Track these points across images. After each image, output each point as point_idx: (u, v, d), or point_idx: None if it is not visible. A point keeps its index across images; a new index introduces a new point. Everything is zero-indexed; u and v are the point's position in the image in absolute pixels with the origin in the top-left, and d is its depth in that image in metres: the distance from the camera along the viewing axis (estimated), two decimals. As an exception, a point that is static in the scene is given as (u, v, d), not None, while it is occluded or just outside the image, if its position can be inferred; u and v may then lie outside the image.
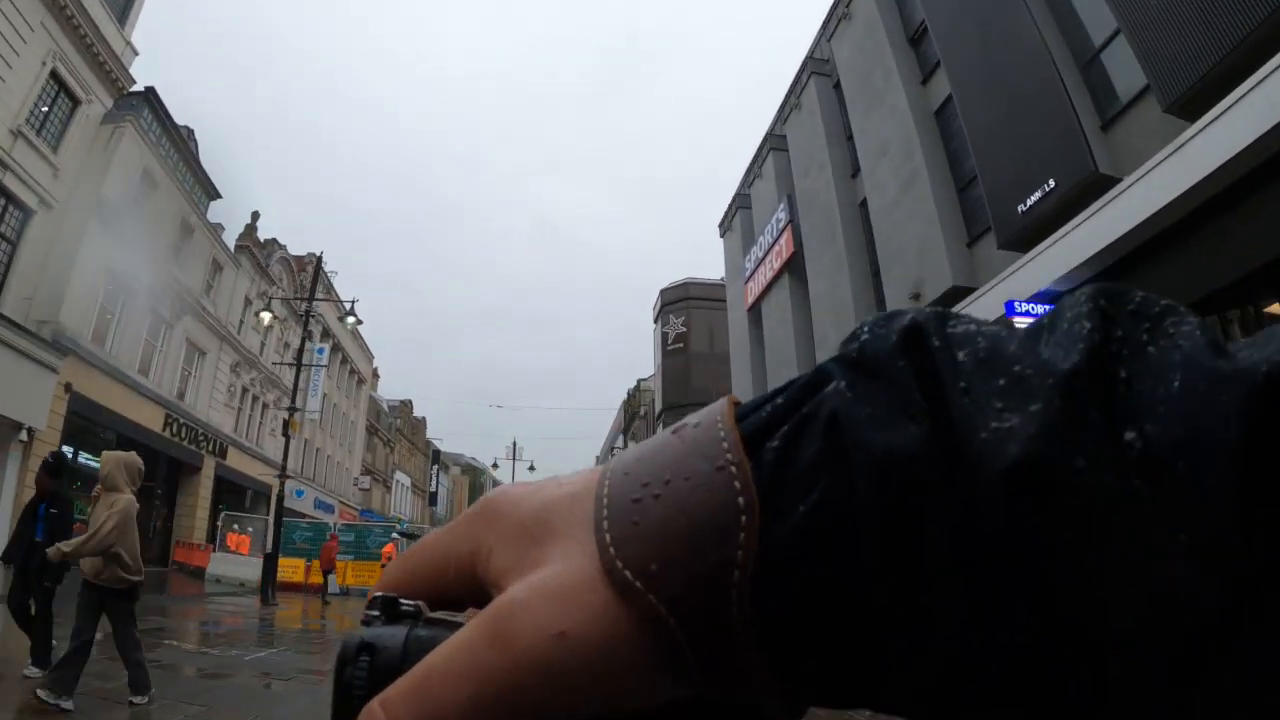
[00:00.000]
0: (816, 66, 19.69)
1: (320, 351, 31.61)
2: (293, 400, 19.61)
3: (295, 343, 30.27)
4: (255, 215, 27.73)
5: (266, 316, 20.02)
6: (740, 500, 0.24)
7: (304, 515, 27.97)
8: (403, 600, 0.28)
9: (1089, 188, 9.99)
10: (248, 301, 26.37)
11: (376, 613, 0.28)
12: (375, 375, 47.53)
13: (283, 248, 29.71)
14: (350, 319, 21.46)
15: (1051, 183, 10.57)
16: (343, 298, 36.14)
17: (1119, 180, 9.54)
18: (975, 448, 0.22)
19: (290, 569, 20.78)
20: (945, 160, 14.09)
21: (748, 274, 23.06)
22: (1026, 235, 11.07)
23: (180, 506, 23.84)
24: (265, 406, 28.94)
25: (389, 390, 55.21)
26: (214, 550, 21.78)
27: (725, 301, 30.26)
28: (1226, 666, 0.20)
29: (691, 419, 0.28)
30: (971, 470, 0.22)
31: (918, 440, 0.23)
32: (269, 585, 16.83)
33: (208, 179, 26.16)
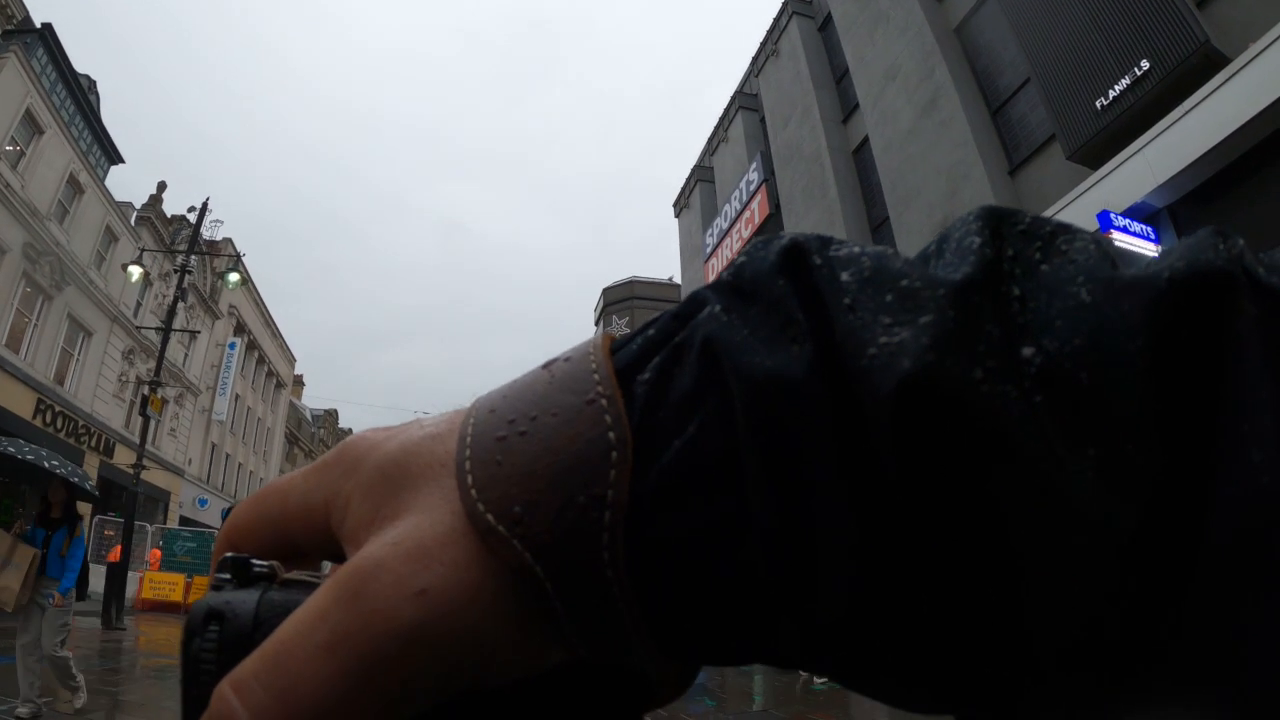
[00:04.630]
0: (798, 7, 18.26)
1: (231, 347, 28.38)
2: (157, 372, 16.17)
3: (208, 336, 26.97)
4: (161, 185, 24.53)
5: (135, 271, 16.71)
6: (611, 435, 0.22)
7: (209, 526, 24.41)
8: (255, 561, 0.25)
9: (1196, 67, 8.06)
10: (148, 281, 22.97)
11: (227, 576, 0.25)
12: (300, 383, 44.03)
13: (192, 225, 26.45)
14: (234, 276, 18.30)
15: (1144, 64, 8.58)
16: (261, 295, 32.91)
17: (1229, 60, 7.76)
18: (863, 365, 0.20)
19: (168, 586, 17.26)
20: (973, 78, 12.20)
21: (709, 250, 21.11)
22: (1104, 141, 9.10)
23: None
24: (165, 402, 25.39)
25: (316, 400, 51.30)
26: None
27: (674, 301, 28.22)
28: (1142, 590, 0.19)
29: (564, 354, 0.26)
30: (860, 390, 0.20)
31: (801, 362, 0.21)
32: (113, 605, 12.61)
33: (109, 139, 22.99)
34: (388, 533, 0.22)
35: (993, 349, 0.20)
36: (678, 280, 26.85)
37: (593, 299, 36.28)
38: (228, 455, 30.77)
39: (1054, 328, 0.20)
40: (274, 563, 0.25)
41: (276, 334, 36.63)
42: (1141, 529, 0.18)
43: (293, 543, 0.26)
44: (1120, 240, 8.50)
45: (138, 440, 22.61)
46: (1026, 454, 0.18)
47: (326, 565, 0.27)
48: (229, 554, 0.25)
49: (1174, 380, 0.19)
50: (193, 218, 19.62)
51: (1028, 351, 0.19)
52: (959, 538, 0.19)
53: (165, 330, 16.41)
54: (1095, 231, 0.23)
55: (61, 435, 19.29)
